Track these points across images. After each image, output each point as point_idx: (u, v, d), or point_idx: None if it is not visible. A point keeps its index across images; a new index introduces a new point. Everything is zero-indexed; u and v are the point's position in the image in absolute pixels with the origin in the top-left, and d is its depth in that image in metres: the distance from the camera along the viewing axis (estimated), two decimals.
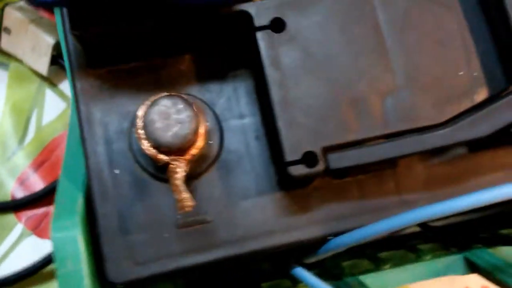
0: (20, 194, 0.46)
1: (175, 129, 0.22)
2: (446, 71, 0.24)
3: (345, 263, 0.35)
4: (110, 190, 0.25)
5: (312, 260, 0.28)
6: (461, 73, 0.24)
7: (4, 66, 0.48)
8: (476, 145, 0.26)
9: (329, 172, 0.23)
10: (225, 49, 0.27)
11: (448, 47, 0.24)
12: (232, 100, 0.27)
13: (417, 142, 0.23)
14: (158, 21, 0.23)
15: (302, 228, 0.25)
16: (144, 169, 0.25)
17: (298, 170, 0.22)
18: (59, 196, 0.26)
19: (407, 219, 0.22)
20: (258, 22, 0.24)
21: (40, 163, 0.47)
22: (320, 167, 0.22)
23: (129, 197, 0.25)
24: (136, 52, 0.26)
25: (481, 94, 0.24)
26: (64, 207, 0.25)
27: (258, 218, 0.25)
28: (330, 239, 0.26)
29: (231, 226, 0.25)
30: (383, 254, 0.35)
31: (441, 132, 0.23)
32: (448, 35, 0.24)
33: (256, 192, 0.26)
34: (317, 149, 0.23)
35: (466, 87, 0.24)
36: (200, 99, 0.26)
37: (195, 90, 0.27)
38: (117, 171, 0.25)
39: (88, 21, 0.23)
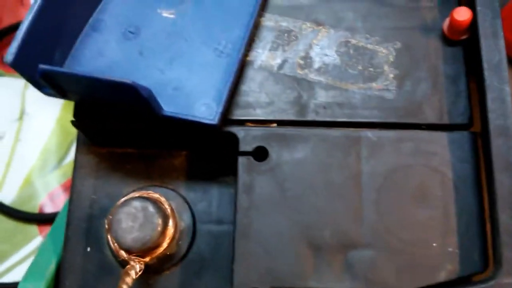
0: (48, 209, 0.50)
1: (137, 233, 0.23)
2: (419, 238, 0.23)
3: None
4: (78, 266, 0.27)
5: None
6: (435, 244, 0.23)
7: None
8: None
9: None
10: (218, 155, 0.28)
11: (426, 214, 0.23)
12: (214, 204, 0.27)
13: None
14: (148, 126, 0.25)
15: None
16: (113, 255, 0.26)
17: None
18: (37, 255, 0.29)
19: None
20: (242, 147, 0.24)
21: (69, 187, 0.51)
22: None
23: (94, 277, 0.26)
24: (133, 140, 0.28)
25: (450, 273, 0.22)
26: (37, 269, 0.27)
27: None
28: None
29: None
30: None
31: None
32: (429, 201, 0.23)
33: None
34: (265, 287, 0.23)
35: (435, 260, 0.23)
36: (183, 197, 0.27)
37: (181, 186, 0.28)
38: (89, 249, 0.27)
39: (87, 114, 0.25)
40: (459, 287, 0.22)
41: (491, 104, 0.23)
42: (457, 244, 0.23)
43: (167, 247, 0.25)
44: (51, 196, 0.53)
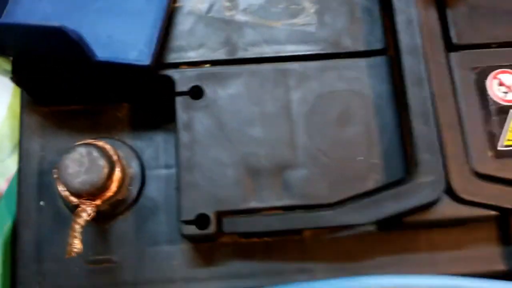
0: None
1: (84, 176, 0.24)
2: (346, 154, 0.25)
3: None
4: (33, 219, 0.27)
5: None
6: (361, 158, 0.25)
7: None
8: (385, 225, 0.27)
9: (225, 233, 0.25)
10: (161, 103, 0.29)
11: (351, 132, 0.25)
12: (161, 150, 0.29)
13: (305, 220, 0.24)
14: (87, 76, 0.26)
15: (202, 281, 0.27)
16: (66, 205, 0.28)
17: (189, 230, 0.24)
18: None
19: None
20: (179, 87, 0.26)
21: None
22: (211, 230, 0.24)
23: (49, 228, 0.28)
24: (76, 96, 0.28)
25: (376, 181, 0.25)
26: None
27: (162, 266, 0.27)
28: None
29: (135, 269, 0.27)
30: None
31: (328, 213, 0.24)
32: (354, 121, 0.26)
33: (165, 241, 0.27)
34: (211, 212, 0.24)
35: (362, 172, 0.25)
36: (130, 146, 0.29)
37: (127, 136, 0.29)
38: (42, 203, 0.28)
39: (25, 68, 0.26)
40: (383, 191, 0.24)
41: (400, 26, 0.25)
42: (381, 155, 0.25)
43: (118, 192, 0.27)
44: (9, 181, 0.52)
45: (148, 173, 0.29)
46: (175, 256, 0.27)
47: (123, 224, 0.28)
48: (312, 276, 0.27)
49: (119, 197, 0.27)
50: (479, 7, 0.28)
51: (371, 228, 0.27)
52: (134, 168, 0.28)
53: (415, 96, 0.24)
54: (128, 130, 0.29)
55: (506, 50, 0.27)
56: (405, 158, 0.25)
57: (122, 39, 0.25)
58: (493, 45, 0.27)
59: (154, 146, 0.29)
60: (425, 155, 0.23)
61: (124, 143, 0.29)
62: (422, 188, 0.23)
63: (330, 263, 0.27)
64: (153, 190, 0.28)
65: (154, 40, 0.25)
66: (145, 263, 0.27)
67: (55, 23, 0.21)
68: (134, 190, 0.28)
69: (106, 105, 0.29)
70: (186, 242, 0.27)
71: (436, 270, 0.27)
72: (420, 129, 0.24)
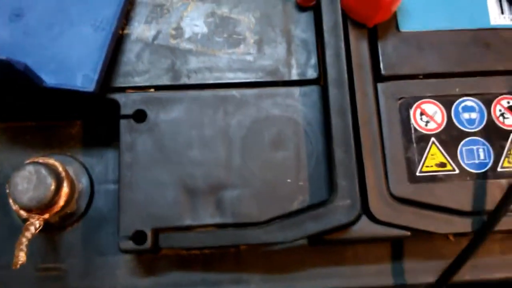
0: None
1: (32, 193, 0.26)
2: (276, 177, 0.27)
3: None
4: None
5: None
6: (289, 180, 0.27)
7: None
8: (314, 241, 0.29)
9: (161, 248, 0.27)
10: (111, 122, 0.31)
11: (282, 156, 0.27)
12: (110, 166, 0.31)
13: (234, 237, 0.26)
14: (35, 98, 0.28)
15: None
16: (19, 216, 0.29)
17: (126, 246, 0.26)
18: None
19: None
20: (123, 111, 0.28)
21: None
22: (147, 245, 0.26)
23: (3, 238, 0.29)
24: (31, 113, 0.30)
25: (302, 202, 0.27)
26: None
27: (107, 275, 0.29)
28: None
29: (81, 277, 0.29)
30: None
31: (255, 231, 0.26)
32: (285, 145, 0.28)
33: (111, 251, 0.29)
34: (148, 229, 0.26)
35: (289, 193, 0.27)
36: (80, 162, 0.31)
37: (79, 153, 0.31)
38: None
39: None
40: (306, 212, 0.26)
41: (328, 59, 0.27)
42: (307, 178, 0.27)
43: (66, 205, 0.29)
44: None
45: (97, 187, 0.30)
46: (118, 265, 0.29)
47: (72, 235, 0.30)
48: (247, 287, 0.29)
49: (68, 210, 0.29)
50: (408, 40, 0.30)
51: (303, 242, 0.30)
52: (83, 183, 0.30)
53: (338, 126, 0.26)
54: (80, 146, 0.31)
55: (431, 81, 0.29)
56: (330, 181, 0.27)
57: (70, 65, 0.27)
58: (420, 76, 0.29)
59: (104, 162, 0.31)
60: (343, 181, 0.26)
61: (75, 159, 0.31)
62: (339, 211, 0.25)
63: (264, 274, 0.29)
64: (101, 204, 0.30)
65: (100, 66, 0.27)
66: (90, 272, 0.29)
67: (1, 56, 0.23)
68: (82, 203, 0.30)
69: (59, 122, 0.31)
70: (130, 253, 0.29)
71: (361, 282, 0.29)
72: (340, 156, 0.26)
